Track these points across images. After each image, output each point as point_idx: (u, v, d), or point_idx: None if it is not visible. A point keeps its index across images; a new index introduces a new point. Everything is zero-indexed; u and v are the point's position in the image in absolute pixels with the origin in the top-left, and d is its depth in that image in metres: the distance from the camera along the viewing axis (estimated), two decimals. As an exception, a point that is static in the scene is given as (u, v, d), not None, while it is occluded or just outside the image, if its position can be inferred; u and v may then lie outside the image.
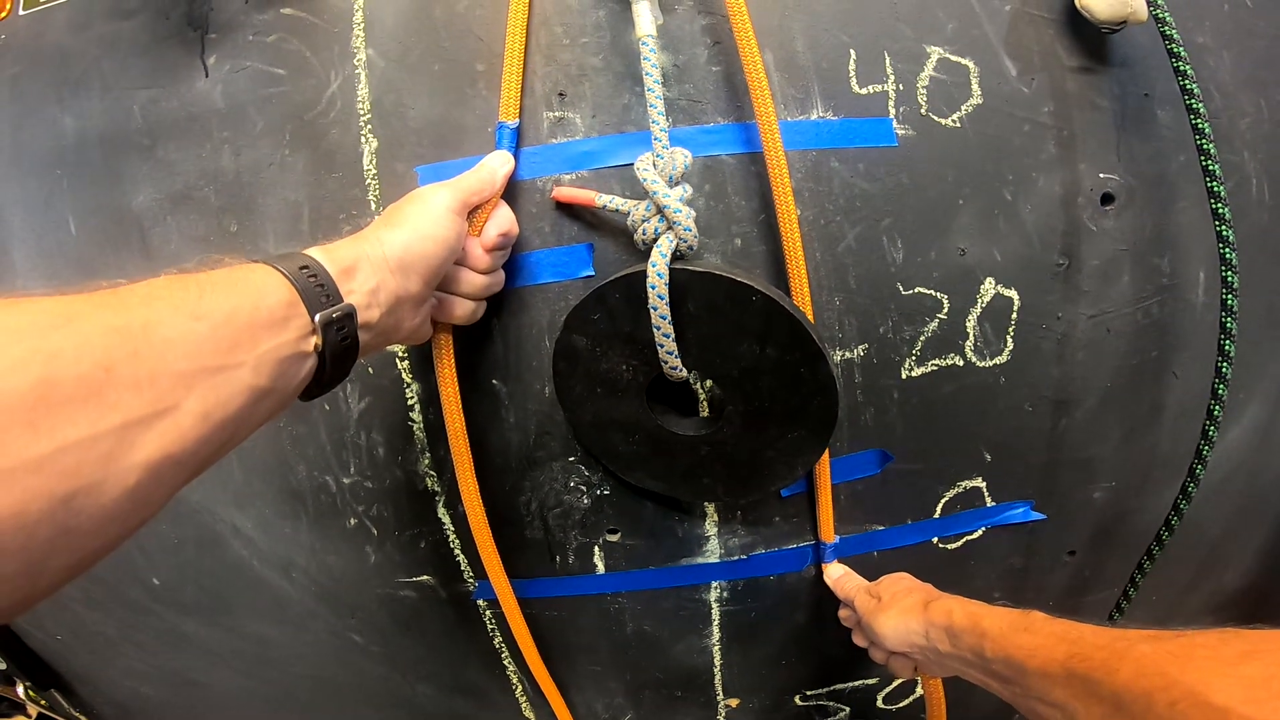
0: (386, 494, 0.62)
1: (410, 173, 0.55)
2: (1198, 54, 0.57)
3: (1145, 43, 0.56)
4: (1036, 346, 0.58)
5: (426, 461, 0.60)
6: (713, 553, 0.64)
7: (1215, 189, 0.54)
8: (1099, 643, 0.37)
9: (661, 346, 0.51)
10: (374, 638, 0.70)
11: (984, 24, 0.54)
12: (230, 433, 0.32)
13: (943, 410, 0.59)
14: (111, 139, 0.59)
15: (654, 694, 0.72)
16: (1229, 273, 0.55)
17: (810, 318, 0.53)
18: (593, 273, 0.55)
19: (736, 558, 0.64)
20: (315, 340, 0.37)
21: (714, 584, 0.65)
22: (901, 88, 0.54)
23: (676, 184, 0.50)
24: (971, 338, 0.58)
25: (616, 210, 0.52)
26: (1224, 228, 0.54)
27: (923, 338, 0.57)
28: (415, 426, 0.60)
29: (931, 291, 0.56)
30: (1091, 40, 0.56)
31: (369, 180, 0.56)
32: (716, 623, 0.67)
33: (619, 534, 0.63)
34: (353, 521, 0.63)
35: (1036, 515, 0.64)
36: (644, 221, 0.50)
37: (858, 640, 0.63)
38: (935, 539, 0.65)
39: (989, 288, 0.57)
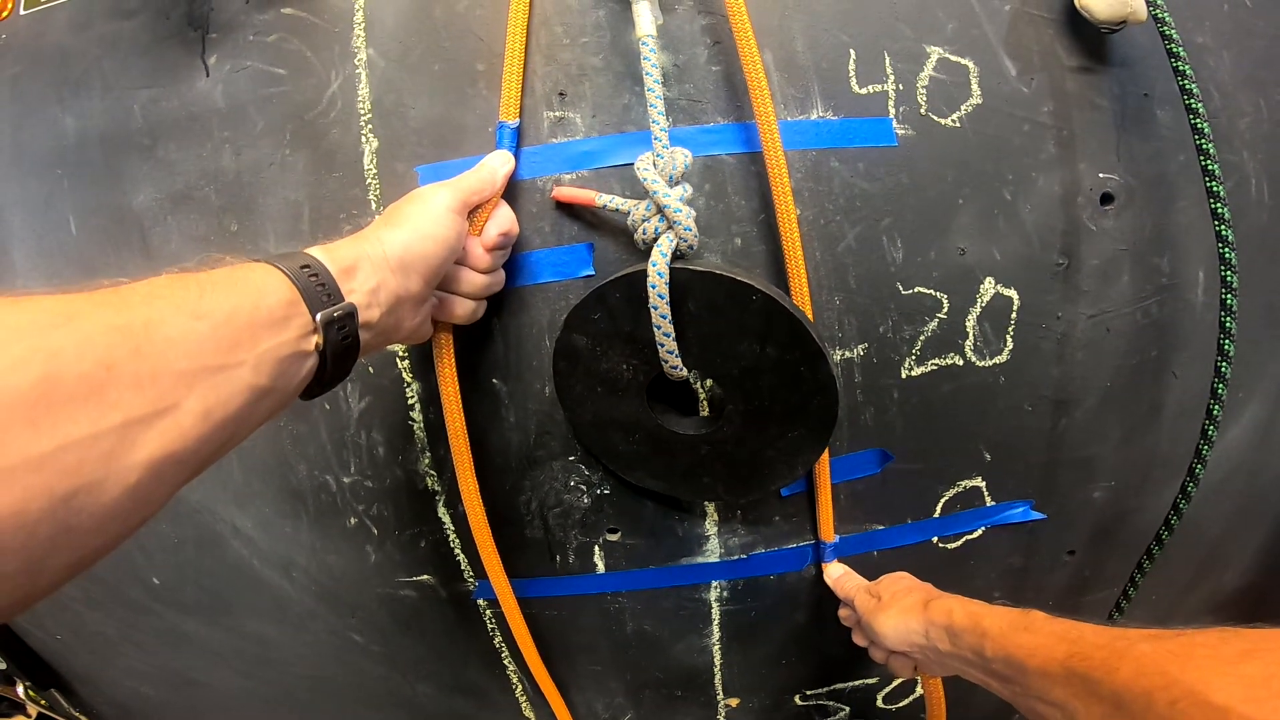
0: (387, 493, 0.62)
1: (410, 172, 0.55)
2: (1197, 54, 0.57)
3: (1145, 43, 0.56)
4: (1036, 346, 0.58)
5: (427, 461, 0.61)
6: (713, 552, 0.64)
7: (1215, 189, 0.54)
8: (1099, 642, 0.38)
9: (662, 346, 0.51)
10: (374, 637, 0.70)
11: (984, 24, 0.55)
12: (231, 431, 0.32)
13: (942, 410, 0.59)
14: (112, 139, 0.59)
15: (654, 693, 0.72)
16: (1228, 272, 0.55)
17: (810, 317, 0.54)
18: (593, 272, 0.55)
19: (736, 557, 0.64)
20: (316, 339, 0.37)
21: (714, 583, 0.65)
22: (901, 87, 0.54)
23: (676, 184, 0.50)
24: (971, 337, 0.58)
25: (616, 210, 0.52)
26: (1223, 227, 0.54)
27: (922, 337, 0.57)
28: (415, 426, 0.60)
29: (931, 291, 0.56)
30: (1091, 40, 0.56)
31: (369, 180, 0.56)
32: (716, 622, 0.67)
33: (619, 533, 0.63)
34: (353, 521, 0.63)
35: (1036, 515, 0.64)
36: (644, 221, 0.50)
37: (858, 640, 0.63)
38: (935, 538, 0.65)
39: (989, 287, 0.57)
